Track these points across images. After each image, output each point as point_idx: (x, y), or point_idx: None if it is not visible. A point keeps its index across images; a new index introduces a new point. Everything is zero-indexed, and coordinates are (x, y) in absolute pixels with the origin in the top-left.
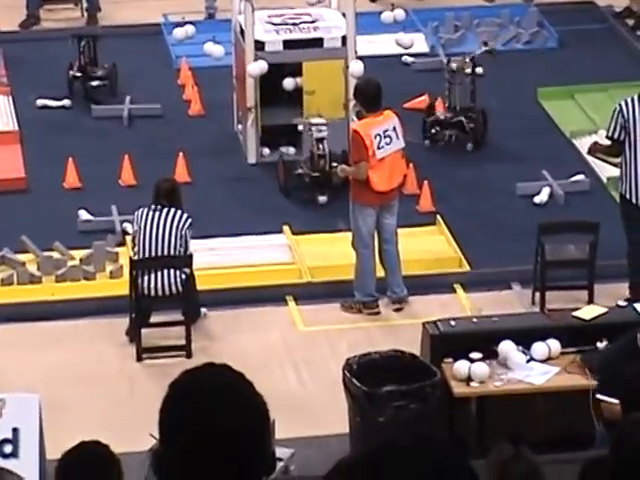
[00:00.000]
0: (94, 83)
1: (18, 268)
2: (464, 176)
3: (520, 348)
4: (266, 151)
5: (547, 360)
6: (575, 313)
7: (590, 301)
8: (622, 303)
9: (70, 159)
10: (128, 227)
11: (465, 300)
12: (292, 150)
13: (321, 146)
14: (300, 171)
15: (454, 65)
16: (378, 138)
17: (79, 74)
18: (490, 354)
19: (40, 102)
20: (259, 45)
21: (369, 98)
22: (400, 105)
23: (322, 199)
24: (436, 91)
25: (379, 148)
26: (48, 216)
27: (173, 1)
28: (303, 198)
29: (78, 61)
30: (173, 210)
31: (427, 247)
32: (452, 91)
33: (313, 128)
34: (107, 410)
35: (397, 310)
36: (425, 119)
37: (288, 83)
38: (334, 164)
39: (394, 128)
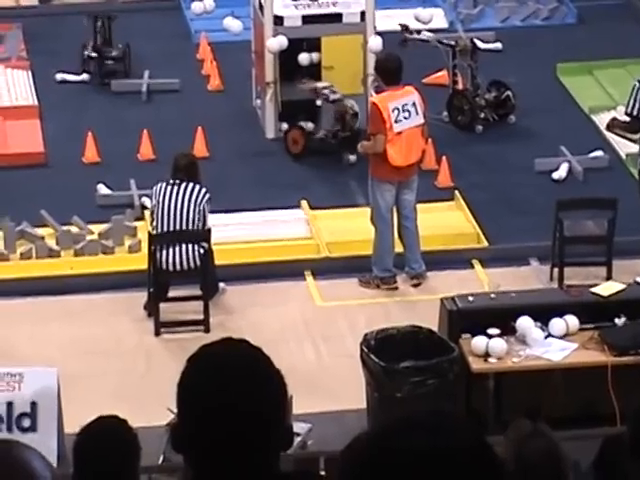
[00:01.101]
0: (108, 63)
1: (37, 242)
2: (482, 152)
3: (538, 324)
4: (284, 126)
5: (565, 336)
6: (593, 289)
7: (608, 277)
8: None
9: (89, 133)
10: (146, 201)
11: (483, 276)
12: (310, 125)
13: (350, 104)
14: (321, 135)
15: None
16: (396, 112)
17: (94, 54)
18: (508, 330)
19: (59, 76)
20: (278, 20)
21: (389, 72)
22: (420, 80)
23: (352, 158)
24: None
25: (397, 122)
26: (67, 190)
27: None
28: (324, 162)
29: (93, 41)
30: (191, 185)
31: (445, 223)
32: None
33: (326, 92)
34: (125, 384)
35: (415, 286)
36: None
37: (303, 58)
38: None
39: (414, 103)
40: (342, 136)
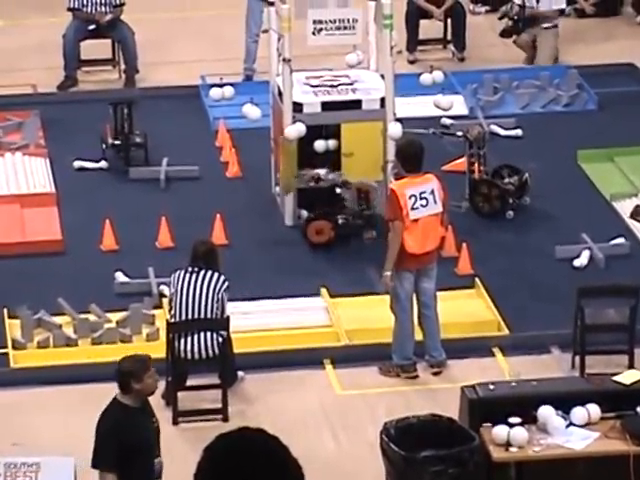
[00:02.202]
0: (128, 150)
1: (54, 330)
2: (503, 239)
3: (559, 413)
4: (304, 213)
5: (587, 425)
6: (615, 378)
7: (630, 366)
8: None
9: (107, 221)
10: (165, 289)
11: (504, 364)
12: (335, 213)
13: (367, 182)
14: (342, 220)
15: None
16: (413, 199)
17: (114, 141)
18: (529, 419)
19: (77, 164)
20: (297, 107)
21: (409, 158)
22: (439, 167)
23: (374, 233)
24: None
25: (413, 209)
26: (84, 278)
27: (211, 63)
28: (342, 250)
29: (114, 128)
30: (210, 272)
31: (466, 310)
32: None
33: (330, 177)
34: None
35: (435, 374)
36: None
37: (319, 145)
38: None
39: (432, 191)
40: (367, 214)
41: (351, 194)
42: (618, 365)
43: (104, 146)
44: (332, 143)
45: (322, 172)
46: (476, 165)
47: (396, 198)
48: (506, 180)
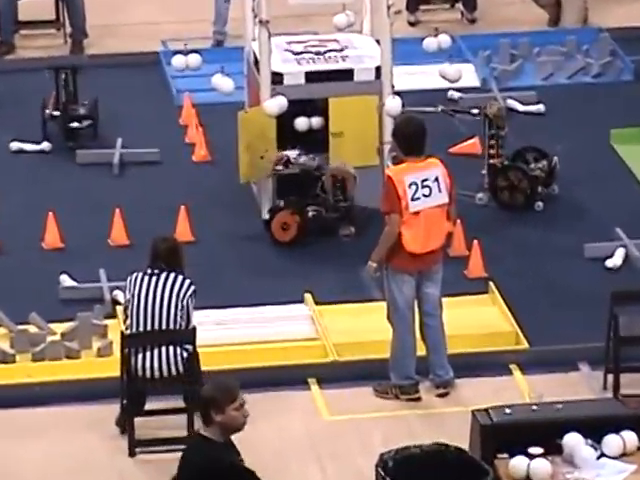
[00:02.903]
0: (74, 124)
1: None
2: (522, 235)
3: (589, 442)
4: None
5: (622, 456)
6: None
7: None
8: None
9: (50, 214)
10: (119, 295)
11: (523, 384)
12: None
13: (346, 165)
14: (313, 213)
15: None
16: (414, 187)
17: (56, 113)
18: (553, 449)
19: (15, 145)
20: (277, 78)
21: (409, 139)
22: (445, 150)
23: (353, 229)
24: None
25: (413, 199)
26: (23, 282)
27: (174, 25)
28: (329, 247)
29: (55, 98)
30: (173, 275)
31: (477, 320)
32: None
33: (301, 160)
34: None
35: (441, 396)
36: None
37: (300, 123)
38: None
39: (436, 178)
40: (344, 207)
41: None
42: None
43: (45, 123)
44: (316, 121)
45: (292, 154)
46: (496, 148)
47: (393, 186)
48: (532, 165)
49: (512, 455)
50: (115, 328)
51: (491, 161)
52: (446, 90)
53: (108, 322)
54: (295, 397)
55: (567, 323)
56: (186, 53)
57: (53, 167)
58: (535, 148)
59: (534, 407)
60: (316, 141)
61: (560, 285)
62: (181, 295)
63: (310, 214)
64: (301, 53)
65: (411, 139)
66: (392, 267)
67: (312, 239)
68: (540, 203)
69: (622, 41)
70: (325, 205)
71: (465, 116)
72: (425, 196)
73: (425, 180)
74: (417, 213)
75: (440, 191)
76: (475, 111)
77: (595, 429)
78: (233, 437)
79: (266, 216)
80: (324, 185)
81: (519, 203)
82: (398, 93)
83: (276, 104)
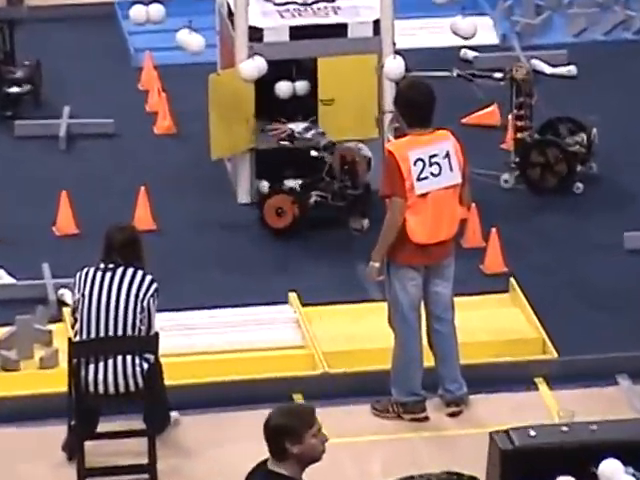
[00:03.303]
0: (11, 90)
1: None
2: (549, 223)
3: (630, 470)
4: (264, 185)
5: None
6: None
7: None
8: None
9: None
10: (66, 295)
11: (550, 400)
12: (299, 184)
13: (358, 146)
14: (317, 198)
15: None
16: (420, 164)
17: None
18: (587, 477)
19: None
20: (255, 34)
21: (414, 108)
22: (458, 120)
23: (366, 222)
24: (506, 99)
25: (420, 179)
26: None
27: None
28: (318, 235)
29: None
30: (131, 271)
31: (496, 324)
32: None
33: (308, 135)
34: None
35: (452, 415)
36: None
37: (282, 88)
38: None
39: (447, 154)
40: (353, 195)
41: (332, 159)
42: None
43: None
44: (301, 86)
45: (297, 127)
46: (525, 120)
47: (395, 164)
48: (569, 139)
49: None
50: (61, 334)
51: (519, 135)
52: (458, 48)
53: (53, 327)
54: None
55: (603, 328)
56: (147, 3)
57: None
58: (570, 118)
59: (564, 428)
60: (302, 109)
61: (595, 283)
62: (141, 295)
63: (312, 200)
64: (284, 4)
65: (416, 107)
66: (395, 261)
67: (305, 232)
68: (580, 184)
69: None
70: (331, 191)
71: (486, 81)
72: (434, 175)
73: (433, 156)
74: (424, 196)
75: (452, 169)
76: (498, 75)
77: (636, 454)
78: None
79: (243, 199)
80: (325, 165)
81: (550, 185)
82: (400, 52)
83: (253, 66)
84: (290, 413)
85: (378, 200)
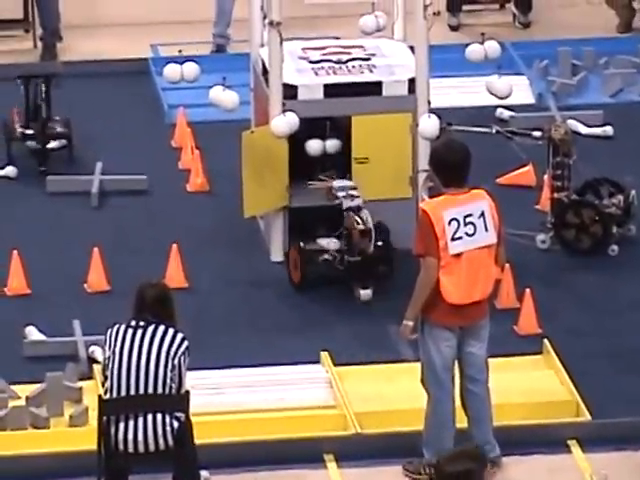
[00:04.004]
0: (49, 145)
1: None
2: (584, 284)
3: None
4: (302, 247)
5: None
6: None
7: None
8: None
9: (14, 253)
10: (97, 352)
11: (584, 463)
12: (335, 243)
13: (362, 217)
14: (327, 257)
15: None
16: (455, 224)
17: (25, 131)
18: None
19: None
20: (290, 91)
21: (450, 167)
22: (493, 179)
23: (365, 294)
24: (543, 159)
25: (454, 239)
26: None
27: (166, 27)
28: (334, 295)
29: (25, 115)
30: (162, 328)
31: (529, 386)
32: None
33: (340, 194)
34: None
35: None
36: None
37: (313, 146)
38: (379, 243)
39: (482, 214)
40: (349, 261)
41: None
42: None
43: (10, 144)
44: (332, 144)
45: (336, 184)
46: (563, 180)
47: (429, 223)
48: (606, 201)
49: None
50: (91, 392)
51: (556, 195)
52: (494, 108)
53: (83, 384)
54: (308, 477)
55: (637, 391)
56: (181, 61)
57: (19, 197)
58: (608, 179)
59: None
60: (336, 168)
61: (630, 346)
62: (172, 352)
63: (320, 258)
64: (319, 62)
65: (452, 167)
66: (429, 321)
67: (337, 292)
68: (615, 247)
69: None
70: (343, 252)
71: (525, 139)
72: (468, 235)
73: (468, 216)
74: (458, 256)
75: (487, 229)
76: (537, 134)
77: None
78: None
79: (276, 257)
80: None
81: (585, 247)
82: (435, 111)
83: (284, 122)
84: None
85: (405, 259)
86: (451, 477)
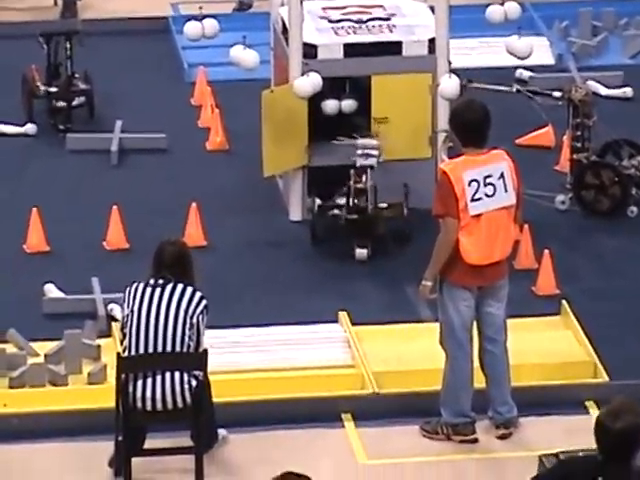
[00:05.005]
0: (73, 103)
1: None
2: (603, 246)
3: None
4: (317, 203)
5: None
6: None
7: None
8: None
9: (34, 210)
10: (115, 310)
11: None
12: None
13: (363, 177)
14: (336, 212)
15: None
16: (475, 185)
17: (49, 89)
18: None
19: None
20: (310, 50)
21: (470, 128)
22: (512, 140)
23: (360, 253)
24: (562, 120)
25: (474, 200)
26: (1, 292)
27: None
28: (333, 246)
29: (47, 72)
30: (181, 287)
31: (547, 347)
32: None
33: (358, 152)
34: None
35: (502, 437)
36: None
37: (330, 106)
38: (382, 204)
39: (501, 175)
40: (346, 218)
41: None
42: None
43: (30, 102)
44: (348, 104)
45: (361, 142)
46: (582, 141)
47: (449, 184)
48: (626, 162)
49: None
50: (110, 349)
51: (575, 156)
52: (514, 68)
53: (101, 342)
54: (326, 436)
55: None
56: (201, 19)
57: (39, 155)
58: (628, 141)
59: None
60: (356, 128)
61: None
62: (190, 311)
63: (330, 213)
64: (339, 21)
65: (471, 127)
66: (448, 281)
67: (349, 246)
68: (634, 208)
69: None
70: (348, 209)
71: (545, 99)
72: (488, 196)
73: (488, 176)
74: (478, 216)
75: (506, 190)
76: (557, 94)
77: None
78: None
79: (295, 217)
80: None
81: (604, 208)
82: (455, 71)
83: (308, 83)
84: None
85: (424, 220)
86: (621, 435)
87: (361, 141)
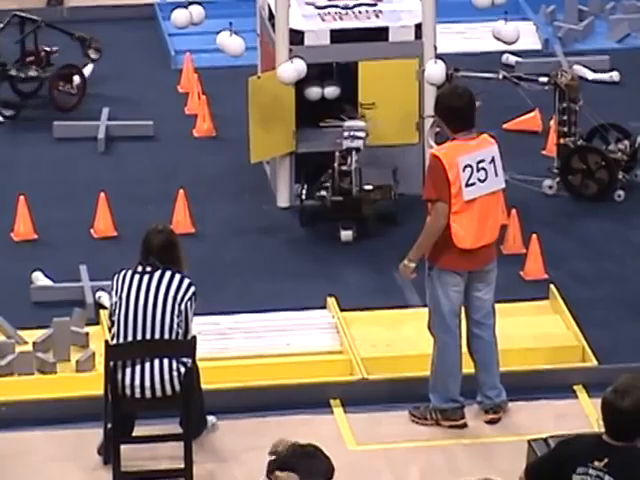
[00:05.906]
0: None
1: None
2: (590, 230)
3: None
4: (304, 189)
5: None
6: None
7: None
8: None
9: (21, 199)
10: (103, 297)
11: (590, 409)
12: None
13: (348, 159)
14: (323, 193)
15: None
16: (468, 170)
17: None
18: None
19: None
20: (296, 36)
21: (457, 113)
22: (499, 125)
23: (346, 235)
24: (549, 105)
25: (468, 185)
26: None
27: None
28: (321, 231)
29: (21, 55)
30: (169, 274)
31: (535, 331)
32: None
33: (345, 134)
34: None
35: (491, 422)
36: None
37: (312, 93)
38: (367, 186)
39: (492, 159)
40: (331, 200)
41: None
42: None
43: (15, 87)
44: (331, 91)
45: (348, 124)
46: (569, 125)
47: (442, 169)
48: (612, 146)
49: None
50: (98, 337)
51: (562, 140)
52: (501, 53)
53: (90, 330)
54: (314, 422)
55: None
56: (187, 5)
57: (25, 142)
58: (614, 125)
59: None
60: (344, 114)
61: (635, 292)
62: (178, 298)
63: (317, 195)
64: (326, 7)
65: (458, 113)
66: (438, 266)
67: (336, 230)
68: (621, 192)
69: None
70: (334, 189)
71: (531, 85)
72: (480, 181)
73: (481, 161)
74: (471, 201)
75: (497, 175)
76: (543, 79)
77: None
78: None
79: (282, 203)
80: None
81: (591, 192)
82: (441, 57)
83: (292, 69)
84: None
85: (411, 204)
86: (632, 411)
87: (348, 123)
